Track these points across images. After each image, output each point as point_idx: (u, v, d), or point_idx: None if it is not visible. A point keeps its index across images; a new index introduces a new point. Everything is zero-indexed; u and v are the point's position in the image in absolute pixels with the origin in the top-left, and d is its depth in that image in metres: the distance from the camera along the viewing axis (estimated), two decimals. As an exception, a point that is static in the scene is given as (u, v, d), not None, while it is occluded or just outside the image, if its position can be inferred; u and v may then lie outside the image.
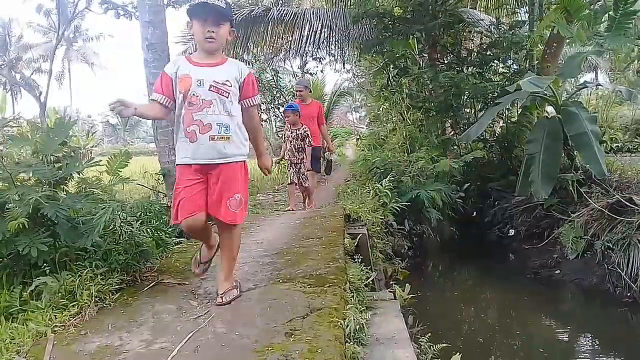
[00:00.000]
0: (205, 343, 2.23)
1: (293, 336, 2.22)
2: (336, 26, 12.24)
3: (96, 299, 2.74)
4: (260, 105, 14.05)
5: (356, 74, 21.21)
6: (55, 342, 2.32)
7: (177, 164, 2.74)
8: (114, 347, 2.25)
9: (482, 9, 13.32)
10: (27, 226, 2.75)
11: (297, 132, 6.54)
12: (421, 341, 3.39)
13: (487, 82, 9.29)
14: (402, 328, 2.91)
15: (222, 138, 2.64)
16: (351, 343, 2.38)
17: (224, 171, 2.67)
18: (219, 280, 2.82)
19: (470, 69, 9.98)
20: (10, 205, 2.93)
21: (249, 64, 13.68)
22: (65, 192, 3.23)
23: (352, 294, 3.04)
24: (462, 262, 8.07)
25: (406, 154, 8.97)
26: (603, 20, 6.62)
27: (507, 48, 9.49)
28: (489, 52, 9.97)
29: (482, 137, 9.12)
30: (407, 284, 4.34)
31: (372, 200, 6.36)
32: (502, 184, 8.68)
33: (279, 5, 15.18)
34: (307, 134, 6.54)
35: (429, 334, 3.54)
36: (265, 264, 3.52)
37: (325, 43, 12.93)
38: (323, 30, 12.34)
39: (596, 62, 21.43)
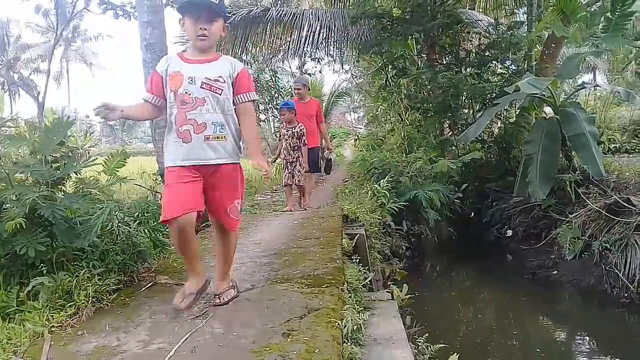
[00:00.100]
0: (202, 343, 2.23)
1: (291, 336, 2.22)
2: (335, 27, 12.24)
3: (93, 300, 2.74)
4: (258, 105, 14.04)
5: (355, 74, 21.23)
6: (52, 342, 2.32)
7: (167, 167, 2.57)
8: (111, 347, 2.25)
9: (480, 10, 13.33)
10: (24, 226, 2.75)
11: (293, 130, 6.47)
12: (419, 341, 3.40)
13: (486, 83, 9.30)
14: (399, 328, 2.92)
15: (218, 138, 2.55)
16: (349, 343, 2.38)
17: (221, 174, 2.59)
18: (215, 280, 2.82)
19: (468, 70, 9.99)
20: (7, 205, 2.93)
21: (247, 65, 13.66)
22: (62, 192, 3.23)
23: (349, 295, 3.04)
24: (459, 262, 8.07)
25: (404, 154, 8.97)
26: (600, 21, 6.63)
27: (506, 49, 9.51)
28: (487, 53, 9.98)
29: (480, 138, 9.13)
30: (404, 285, 4.35)
31: (370, 200, 6.37)
32: (500, 185, 8.69)
33: (278, 5, 15.20)
34: (304, 132, 6.47)
35: (427, 335, 3.55)
36: (263, 264, 3.52)
37: (324, 44, 12.92)
38: (322, 30, 12.34)
39: (594, 63, 21.48)
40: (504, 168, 9.13)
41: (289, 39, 12.76)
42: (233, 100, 2.63)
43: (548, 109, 8.33)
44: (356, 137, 21.83)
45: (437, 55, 11.27)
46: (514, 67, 10.10)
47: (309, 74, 17.54)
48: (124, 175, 3.52)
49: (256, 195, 9.29)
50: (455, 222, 8.53)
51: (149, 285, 3.12)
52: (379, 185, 6.70)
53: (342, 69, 20.67)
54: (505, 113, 9.76)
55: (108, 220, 3.05)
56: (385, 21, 11.00)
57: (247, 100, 2.66)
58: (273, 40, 13.08)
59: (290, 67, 18.54)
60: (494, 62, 10.04)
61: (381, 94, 12.02)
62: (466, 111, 10.25)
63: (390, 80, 11.48)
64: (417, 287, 5.61)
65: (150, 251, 3.66)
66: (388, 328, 2.91)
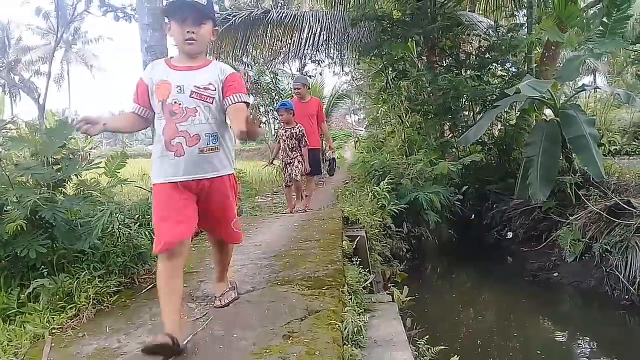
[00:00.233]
0: (203, 345, 2.23)
1: (291, 338, 2.22)
2: (335, 29, 12.25)
3: (94, 301, 2.75)
4: (259, 107, 14.03)
5: (355, 76, 21.21)
6: (52, 344, 2.32)
7: (156, 183, 2.36)
8: (111, 349, 2.25)
9: (480, 12, 13.35)
10: (25, 228, 2.76)
11: (292, 131, 6.34)
12: (419, 343, 3.39)
13: (486, 85, 9.29)
14: (400, 330, 2.92)
15: (211, 149, 2.36)
16: (349, 345, 2.38)
17: (216, 188, 2.42)
18: (214, 282, 2.81)
19: (468, 72, 9.99)
20: (8, 207, 2.93)
21: (248, 67, 13.67)
22: (63, 194, 3.23)
23: (350, 297, 3.04)
24: (460, 264, 8.07)
25: (405, 156, 8.97)
26: (596, 26, 6.63)
27: (506, 51, 9.51)
28: (487, 55, 9.99)
29: (480, 140, 9.13)
30: (405, 287, 4.34)
31: (371, 202, 6.36)
32: (500, 187, 8.69)
33: (278, 7, 15.21)
34: (303, 133, 6.34)
35: (427, 337, 3.54)
36: (264, 266, 3.52)
37: (324, 46, 12.94)
38: (322, 33, 12.35)
39: (595, 65, 21.49)
40: (504, 170, 9.13)
41: (290, 41, 12.78)
42: (223, 102, 2.41)
43: (548, 111, 8.34)
44: (356, 139, 21.83)
45: (437, 58, 11.28)
46: (514, 70, 10.10)
47: (310, 76, 17.54)
48: (124, 177, 3.52)
49: (257, 197, 9.28)
50: (455, 224, 8.52)
51: (150, 287, 3.12)
52: (380, 187, 6.69)
53: (343, 71, 20.65)
54: (505, 115, 9.77)
55: (109, 222, 3.05)
56: (385, 23, 11.01)
57: (238, 100, 2.39)
58: (273, 43, 13.10)
59: (290, 69, 18.54)
60: (494, 64, 10.05)
61: (381, 96, 12.02)
62: (466, 113, 10.25)
63: (390, 83, 11.48)
64: (418, 289, 5.61)
65: (151, 253, 3.66)
66: (388, 330, 2.90)
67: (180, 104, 2.32)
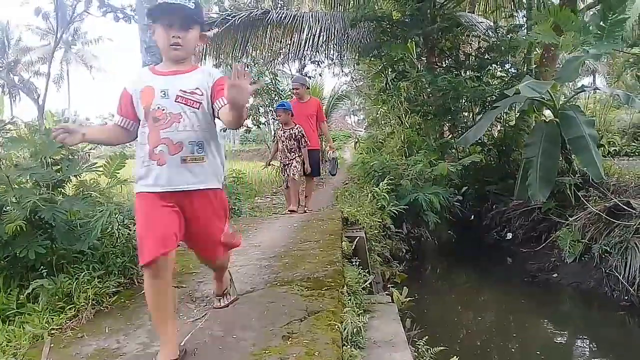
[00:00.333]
0: (202, 346, 2.23)
1: (290, 339, 2.22)
2: (335, 29, 12.25)
3: (93, 302, 2.74)
4: (258, 109, 14.04)
5: (355, 77, 21.23)
6: (52, 345, 2.32)
7: (138, 192, 2.21)
8: (111, 350, 2.25)
9: (480, 13, 13.36)
10: (24, 229, 2.75)
11: (291, 132, 6.31)
12: (418, 344, 3.39)
13: (485, 86, 9.31)
14: (399, 331, 2.92)
15: (196, 159, 2.19)
16: (349, 346, 2.38)
17: (200, 203, 2.24)
18: (213, 283, 2.77)
19: (468, 73, 10.00)
20: (7, 207, 2.93)
21: (247, 68, 13.66)
22: (63, 195, 3.23)
23: (349, 297, 3.04)
24: (459, 265, 8.07)
25: (404, 157, 8.98)
26: (592, 29, 6.62)
27: (505, 52, 9.53)
28: (487, 56, 10.00)
29: (480, 141, 9.14)
30: (404, 287, 4.36)
31: (370, 203, 6.36)
32: (500, 188, 8.69)
33: (278, 8, 15.21)
34: (303, 134, 6.30)
35: (427, 337, 3.54)
36: (263, 266, 3.52)
37: (324, 46, 12.93)
38: (322, 33, 12.34)
39: (594, 66, 21.52)
40: (503, 171, 9.14)
41: (289, 42, 12.78)
42: (213, 107, 2.23)
43: (548, 112, 8.34)
44: (356, 140, 21.86)
45: (437, 58, 11.30)
46: (513, 70, 10.12)
47: (309, 77, 17.55)
48: (124, 178, 3.52)
49: (256, 198, 9.29)
50: (455, 225, 8.53)
51: (149, 287, 3.11)
52: (379, 188, 6.69)
53: (342, 72, 20.68)
54: (505, 116, 9.79)
55: (108, 222, 3.05)
56: (385, 24, 11.03)
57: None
58: (273, 43, 13.10)
59: (290, 70, 18.55)
60: (493, 65, 10.06)
61: (381, 96, 12.04)
62: (466, 114, 10.26)
63: (390, 83, 11.50)
64: (417, 290, 5.61)
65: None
66: (388, 331, 2.91)
67: (164, 110, 2.17)
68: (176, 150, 2.16)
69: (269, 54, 13.77)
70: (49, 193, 2.99)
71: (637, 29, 7.38)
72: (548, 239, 7.11)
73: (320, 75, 19.05)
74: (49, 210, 2.83)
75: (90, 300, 2.72)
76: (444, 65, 11.10)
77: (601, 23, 6.48)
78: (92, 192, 3.35)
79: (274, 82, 14.11)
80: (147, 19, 2.37)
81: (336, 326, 2.36)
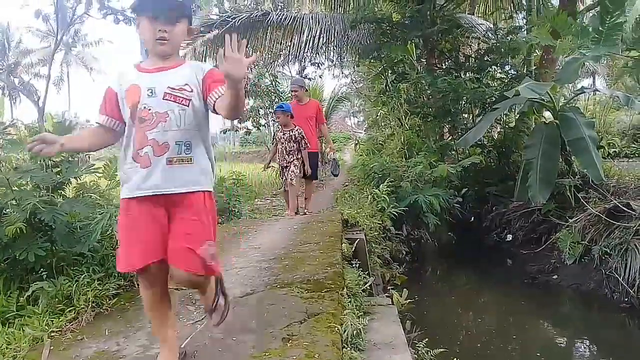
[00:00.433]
0: (202, 348, 2.23)
1: (290, 341, 2.22)
2: (335, 31, 12.26)
3: (93, 304, 2.74)
4: (258, 110, 14.04)
5: (354, 79, 21.25)
6: (51, 347, 2.32)
7: (123, 197, 2.08)
8: (110, 352, 2.25)
9: (479, 15, 13.38)
10: (24, 231, 2.76)
11: (290, 134, 6.28)
12: (418, 346, 3.39)
13: (485, 88, 9.31)
14: (399, 333, 2.92)
15: (183, 160, 2.04)
16: (348, 348, 2.38)
17: (185, 206, 2.05)
18: (200, 295, 2.38)
19: (468, 74, 10.02)
20: (7, 210, 2.93)
21: (247, 69, 13.66)
22: (62, 197, 3.23)
23: (349, 299, 3.04)
24: (459, 267, 8.07)
25: (404, 159, 8.98)
26: (590, 33, 6.63)
27: (505, 53, 9.53)
28: (486, 58, 10.02)
29: (480, 143, 9.15)
30: (404, 289, 4.36)
31: (370, 205, 6.36)
32: (500, 189, 8.69)
33: (278, 10, 15.21)
34: (303, 136, 6.27)
35: (427, 339, 3.54)
36: (263, 269, 3.52)
37: (324, 48, 12.94)
38: (322, 35, 12.36)
39: (594, 67, 21.53)
40: (503, 172, 9.15)
41: (289, 44, 12.79)
42: (207, 102, 2.08)
43: (547, 114, 8.36)
44: (356, 142, 21.86)
45: (437, 60, 11.31)
46: (513, 72, 10.14)
47: (309, 79, 17.56)
48: (124, 180, 3.51)
49: (256, 200, 9.29)
50: (455, 227, 8.53)
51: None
52: (379, 189, 6.69)
53: (342, 73, 20.69)
54: (504, 118, 9.79)
55: (108, 225, 3.05)
56: (384, 26, 11.04)
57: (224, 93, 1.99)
58: (273, 45, 13.10)
59: (290, 71, 18.56)
60: (493, 66, 10.08)
61: (381, 98, 12.04)
62: (466, 116, 10.27)
63: (389, 85, 11.50)
64: (417, 292, 5.61)
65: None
66: (388, 333, 2.90)
67: (150, 109, 2.02)
68: (162, 151, 2.02)
69: (269, 56, 13.76)
70: (49, 195, 2.99)
71: (638, 30, 7.39)
72: (548, 241, 7.11)
73: (321, 77, 19.06)
74: (48, 213, 2.83)
75: (90, 303, 2.72)
76: (444, 67, 11.11)
77: (599, 27, 6.49)
78: (92, 194, 3.35)
79: (274, 84, 14.11)
80: (132, 12, 2.24)
81: (336, 328, 2.36)
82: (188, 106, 2.05)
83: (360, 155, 14.02)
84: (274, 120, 15.90)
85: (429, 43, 10.85)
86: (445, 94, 9.31)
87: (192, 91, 2.07)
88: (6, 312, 2.69)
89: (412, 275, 6.59)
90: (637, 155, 13.24)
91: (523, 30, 10.07)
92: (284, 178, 6.45)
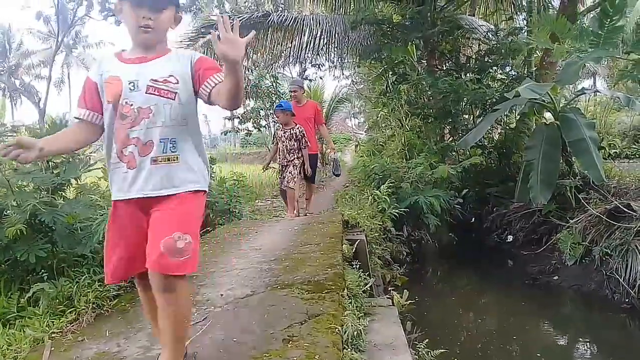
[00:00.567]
0: (202, 349, 2.23)
1: (291, 343, 2.22)
2: (335, 32, 12.26)
3: (94, 306, 2.74)
4: (259, 111, 14.05)
5: (355, 80, 21.27)
6: (52, 348, 2.32)
7: (113, 200, 1.97)
8: (111, 353, 2.25)
9: (480, 16, 13.38)
10: (25, 232, 2.76)
11: (291, 132, 6.23)
12: (419, 347, 3.39)
13: (486, 89, 9.31)
14: (400, 334, 2.92)
15: (168, 159, 1.90)
16: (349, 349, 2.37)
17: (167, 202, 1.90)
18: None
19: (468, 76, 10.02)
20: (8, 211, 2.94)
21: (248, 70, 13.67)
22: (63, 198, 3.24)
23: (350, 300, 3.04)
24: (460, 268, 8.06)
25: (405, 160, 9.00)
26: (589, 37, 6.63)
27: (506, 54, 9.53)
28: (487, 59, 10.02)
29: (480, 143, 9.15)
30: (405, 290, 4.35)
31: (371, 206, 6.36)
32: (500, 190, 8.69)
33: (279, 11, 15.23)
34: (303, 134, 6.22)
35: (427, 340, 3.54)
36: (264, 270, 3.52)
37: (325, 49, 12.95)
38: (322, 36, 12.36)
39: (594, 68, 21.53)
40: (504, 173, 9.14)
41: (290, 45, 12.79)
42: (199, 92, 1.93)
43: (548, 115, 8.35)
44: (357, 143, 21.88)
45: (437, 61, 11.31)
46: (513, 73, 10.14)
47: (310, 80, 17.58)
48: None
49: (257, 201, 9.29)
50: (455, 228, 8.53)
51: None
52: (380, 190, 6.69)
53: (343, 74, 20.72)
54: (505, 119, 9.78)
55: (108, 226, 3.05)
56: (385, 27, 11.03)
57: (220, 81, 1.87)
58: (274, 46, 13.09)
59: (291, 73, 18.58)
60: (493, 67, 10.08)
61: (381, 99, 12.05)
62: (466, 117, 10.27)
63: (390, 86, 11.50)
64: (418, 293, 5.60)
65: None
66: (388, 334, 2.90)
67: (132, 105, 1.88)
68: (146, 151, 1.89)
69: (270, 57, 13.77)
70: (49, 196, 3.00)
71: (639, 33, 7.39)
72: (549, 242, 7.10)
73: (321, 79, 19.09)
74: (49, 214, 2.84)
75: (90, 304, 2.73)
76: (445, 68, 11.11)
77: (598, 31, 6.49)
78: (93, 196, 3.36)
79: (274, 85, 14.12)
80: None
81: (337, 329, 2.36)
82: (174, 99, 1.91)
83: (361, 156, 14.03)
84: (274, 122, 15.92)
85: (429, 44, 10.85)
86: (445, 95, 9.31)
87: (177, 83, 1.92)
88: (7, 313, 2.70)
89: (412, 276, 6.59)
90: (637, 156, 13.23)
91: (523, 31, 10.06)
92: (282, 178, 6.42)
